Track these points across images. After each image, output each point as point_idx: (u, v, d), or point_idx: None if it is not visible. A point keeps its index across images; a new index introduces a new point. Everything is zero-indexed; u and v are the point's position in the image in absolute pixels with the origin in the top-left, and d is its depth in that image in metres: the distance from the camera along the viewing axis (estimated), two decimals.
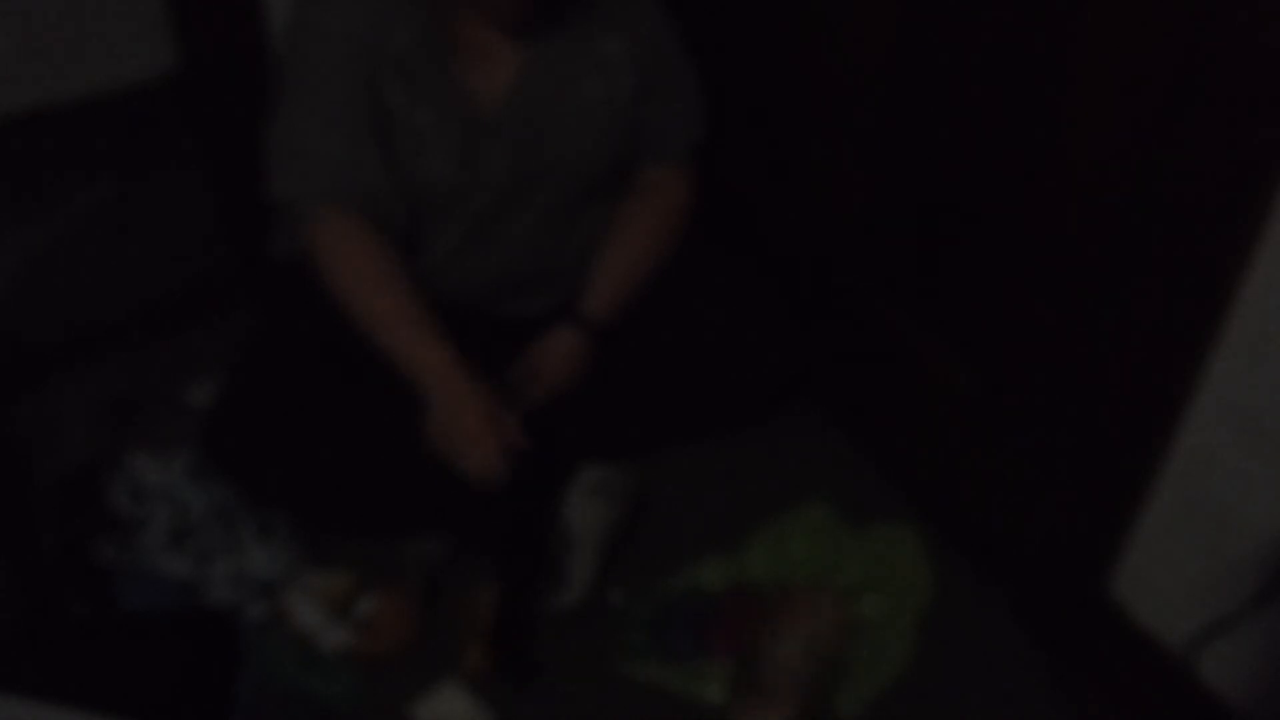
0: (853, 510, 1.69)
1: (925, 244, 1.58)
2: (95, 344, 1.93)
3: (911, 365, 1.65)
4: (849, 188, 1.68)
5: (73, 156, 2.26)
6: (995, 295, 1.48)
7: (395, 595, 1.55)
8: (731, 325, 1.68)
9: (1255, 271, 1.12)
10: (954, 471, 1.64)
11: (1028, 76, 1.31)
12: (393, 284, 1.50)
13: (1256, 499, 1.22)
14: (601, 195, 1.66)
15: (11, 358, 1.89)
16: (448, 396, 1.48)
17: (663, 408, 1.72)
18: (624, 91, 1.57)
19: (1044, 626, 1.55)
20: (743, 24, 1.78)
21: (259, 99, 1.55)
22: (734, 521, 1.68)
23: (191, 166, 2.14)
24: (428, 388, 1.48)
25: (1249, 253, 1.12)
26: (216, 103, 1.87)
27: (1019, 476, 1.52)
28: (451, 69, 1.48)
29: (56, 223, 2.16)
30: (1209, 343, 1.19)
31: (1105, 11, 1.18)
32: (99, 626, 1.51)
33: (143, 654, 1.45)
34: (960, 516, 1.66)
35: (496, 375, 1.67)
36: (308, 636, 1.51)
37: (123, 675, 1.42)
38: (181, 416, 1.76)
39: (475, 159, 1.53)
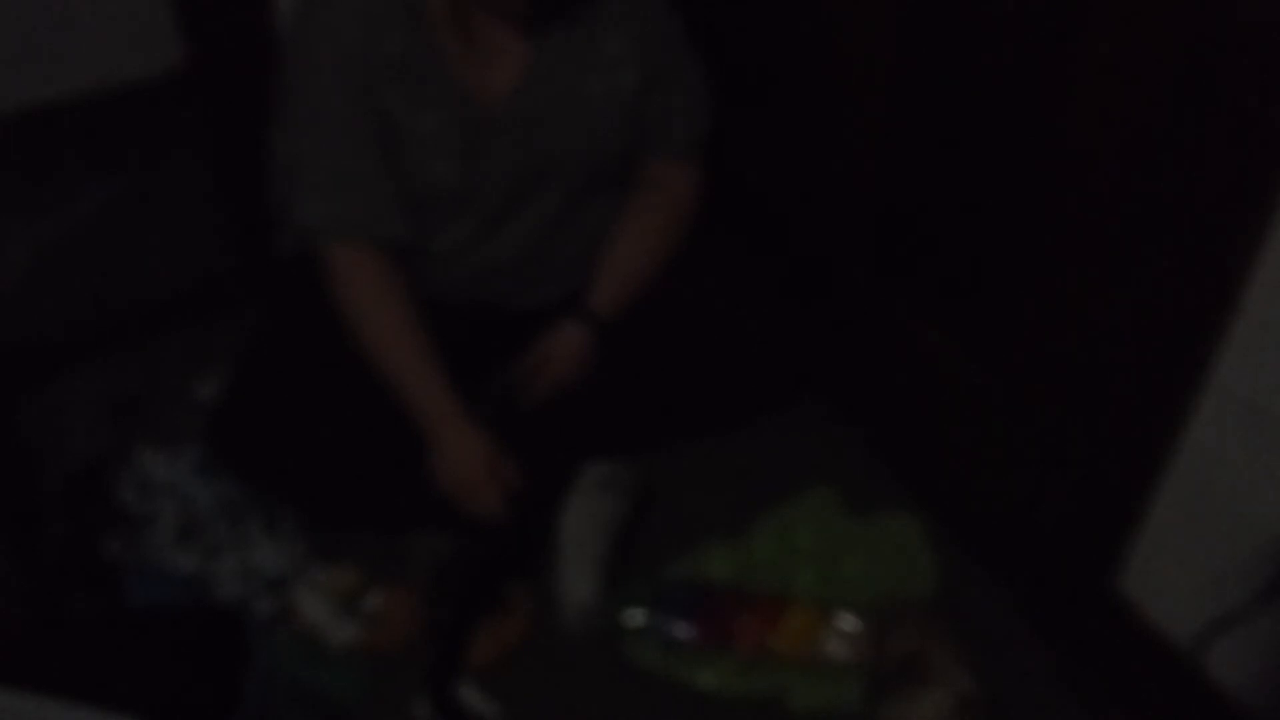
0: (857, 499, 1.69)
1: (932, 237, 1.58)
2: (102, 339, 1.94)
3: (918, 358, 1.65)
4: (856, 181, 1.68)
5: (79, 153, 2.26)
6: (1002, 288, 1.48)
7: (402, 590, 1.55)
8: (738, 320, 1.68)
9: (1263, 264, 1.12)
10: (960, 466, 1.64)
11: (1035, 69, 1.30)
12: (402, 327, 1.52)
13: (1265, 494, 1.22)
14: (607, 188, 1.66)
15: (19, 353, 1.89)
16: (450, 448, 1.53)
17: (669, 404, 1.71)
18: (627, 87, 1.57)
19: (1051, 622, 1.55)
20: (749, 16, 1.78)
21: (265, 95, 1.55)
22: (739, 509, 1.68)
23: (198, 162, 2.14)
24: (431, 435, 1.52)
25: (1257, 246, 1.11)
26: (223, 99, 1.87)
27: (1026, 471, 1.52)
28: (451, 71, 1.48)
29: (63, 219, 2.16)
30: (1217, 336, 1.19)
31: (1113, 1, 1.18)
32: (106, 622, 1.51)
33: (150, 649, 1.46)
34: (967, 511, 1.66)
35: (501, 370, 1.68)
36: (315, 632, 1.51)
37: (130, 671, 1.42)
38: (189, 412, 1.77)
39: (480, 158, 1.53)
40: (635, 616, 1.53)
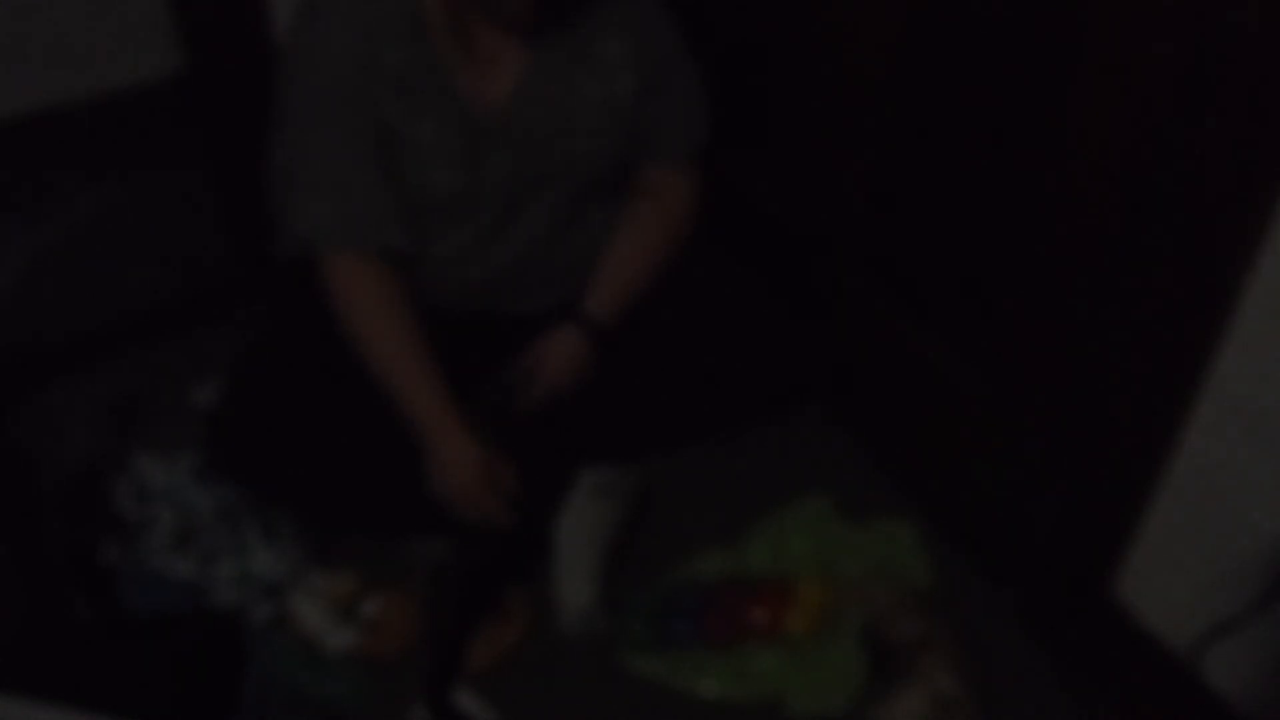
0: (852, 506, 1.69)
1: (929, 242, 1.58)
2: (100, 345, 1.94)
3: (914, 363, 1.65)
4: (853, 186, 1.68)
5: (77, 158, 2.26)
6: (999, 293, 1.48)
7: (400, 596, 1.55)
8: (735, 327, 1.68)
9: (1261, 269, 1.12)
10: (957, 472, 1.64)
11: (1035, 74, 1.31)
12: (401, 335, 1.52)
13: (1262, 500, 1.22)
14: (605, 194, 1.66)
15: (16, 359, 1.89)
16: (448, 454, 1.52)
17: (665, 410, 1.72)
18: (624, 93, 1.57)
19: (1048, 628, 1.55)
20: (747, 19, 1.78)
21: (263, 101, 1.55)
22: (734, 516, 1.68)
23: (196, 168, 2.14)
24: (429, 442, 1.52)
25: (1255, 250, 1.11)
26: (221, 104, 1.88)
27: (1023, 476, 1.52)
28: (450, 79, 1.49)
29: (61, 224, 2.16)
30: (1215, 342, 1.19)
31: (1114, 3, 1.18)
32: (104, 628, 1.51)
33: (147, 655, 1.46)
34: (964, 517, 1.66)
35: (499, 375, 1.68)
36: (312, 637, 1.51)
37: (127, 677, 1.42)
38: (186, 418, 1.76)
39: (479, 164, 1.53)
40: (636, 630, 1.53)
